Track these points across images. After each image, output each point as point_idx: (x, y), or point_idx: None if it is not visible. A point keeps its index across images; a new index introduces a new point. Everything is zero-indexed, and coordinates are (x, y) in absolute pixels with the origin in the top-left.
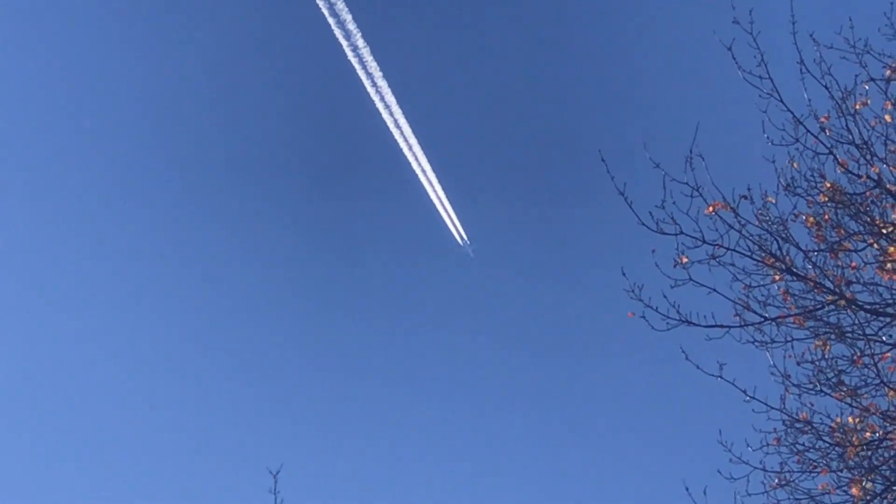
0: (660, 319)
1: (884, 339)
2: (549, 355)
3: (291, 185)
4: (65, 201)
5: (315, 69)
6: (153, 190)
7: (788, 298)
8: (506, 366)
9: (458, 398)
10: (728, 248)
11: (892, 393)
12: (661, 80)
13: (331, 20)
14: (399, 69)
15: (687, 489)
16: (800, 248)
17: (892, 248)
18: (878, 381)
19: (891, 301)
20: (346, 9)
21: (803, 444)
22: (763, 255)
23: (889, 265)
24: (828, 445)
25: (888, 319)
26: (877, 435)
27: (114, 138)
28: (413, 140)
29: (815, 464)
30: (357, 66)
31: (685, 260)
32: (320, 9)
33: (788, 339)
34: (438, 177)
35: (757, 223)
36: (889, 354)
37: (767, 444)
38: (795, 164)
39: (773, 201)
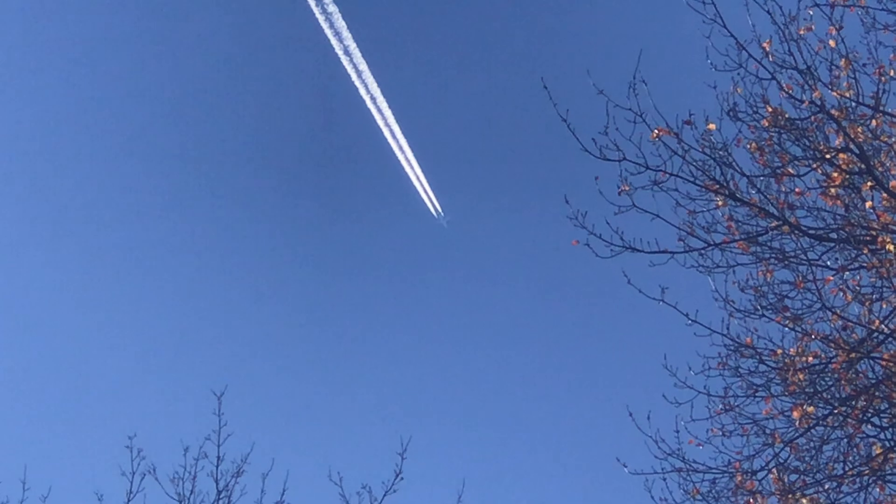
0: (603, 246)
1: (828, 263)
2: (513, 290)
3: (265, 156)
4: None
5: (286, 36)
6: (138, 184)
7: (732, 224)
8: (472, 302)
9: (426, 329)
10: (671, 174)
11: (835, 317)
12: (604, 6)
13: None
14: (374, 40)
15: (630, 414)
16: (743, 174)
17: (835, 173)
18: (820, 306)
19: (834, 226)
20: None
21: (747, 369)
22: (706, 180)
23: (832, 190)
24: (769, 369)
25: (831, 244)
26: (818, 360)
27: (103, 139)
28: (387, 111)
29: (758, 387)
30: (331, 37)
31: (628, 187)
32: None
33: (732, 264)
34: (414, 152)
35: (700, 149)
36: (832, 278)
37: (710, 368)
38: (739, 90)
39: (714, 127)
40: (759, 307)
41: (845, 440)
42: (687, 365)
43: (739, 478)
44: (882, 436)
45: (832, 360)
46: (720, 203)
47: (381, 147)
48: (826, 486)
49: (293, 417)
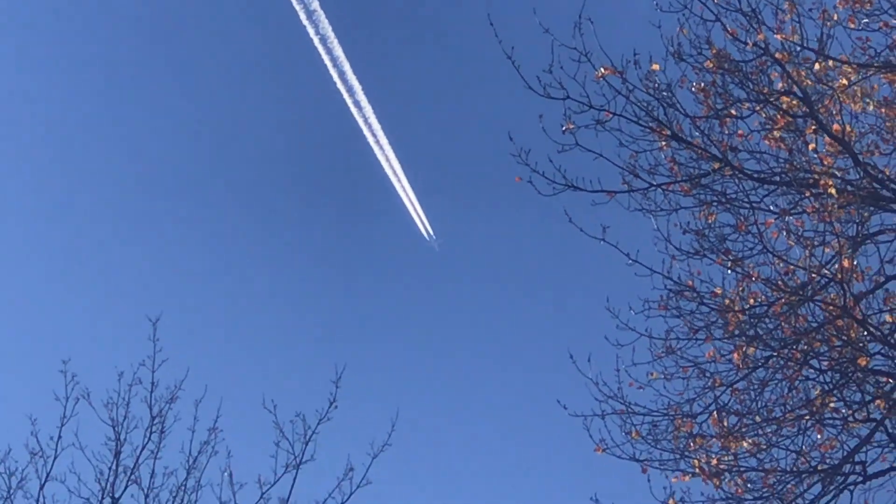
0: (546, 184)
1: (770, 206)
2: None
3: (258, 177)
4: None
5: (283, 62)
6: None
7: (675, 167)
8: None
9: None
10: (615, 114)
11: (777, 260)
12: None
13: (301, 13)
14: (368, 63)
15: (571, 356)
16: (686, 115)
17: (778, 116)
18: (762, 249)
19: (777, 169)
20: (318, 2)
21: (688, 310)
22: (650, 121)
23: (776, 133)
24: (710, 311)
25: (774, 187)
26: (759, 302)
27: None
28: (380, 132)
29: (699, 329)
30: (327, 60)
31: (571, 125)
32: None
33: (674, 206)
34: (407, 174)
35: (644, 90)
36: (773, 221)
37: (652, 309)
38: (684, 31)
39: (659, 68)
40: (700, 249)
41: (785, 383)
42: (629, 306)
43: (679, 421)
44: (821, 378)
45: (773, 304)
46: (663, 145)
47: (377, 175)
48: (766, 429)
49: (228, 344)
